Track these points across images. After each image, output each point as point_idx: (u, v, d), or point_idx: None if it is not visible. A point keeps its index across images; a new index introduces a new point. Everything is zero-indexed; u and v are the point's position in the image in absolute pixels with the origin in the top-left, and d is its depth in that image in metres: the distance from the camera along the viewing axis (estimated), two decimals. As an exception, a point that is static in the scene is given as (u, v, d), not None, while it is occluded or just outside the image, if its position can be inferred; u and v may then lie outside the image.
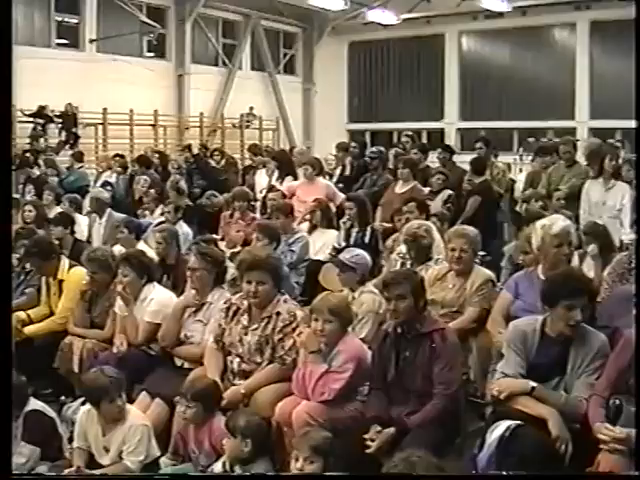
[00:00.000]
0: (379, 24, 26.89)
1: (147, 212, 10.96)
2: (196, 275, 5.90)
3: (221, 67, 27.65)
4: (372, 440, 4.55)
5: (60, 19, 23.45)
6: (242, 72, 27.87)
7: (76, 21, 23.73)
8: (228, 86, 27.37)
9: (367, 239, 8.64)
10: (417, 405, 4.70)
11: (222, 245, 8.75)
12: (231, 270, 6.43)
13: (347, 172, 12.22)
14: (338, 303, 4.99)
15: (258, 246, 7.07)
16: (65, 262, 7.18)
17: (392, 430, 4.57)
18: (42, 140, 20.75)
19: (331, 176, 12.40)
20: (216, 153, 16.96)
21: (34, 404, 5.15)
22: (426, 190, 10.11)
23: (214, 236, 9.07)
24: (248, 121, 27.43)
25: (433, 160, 12.12)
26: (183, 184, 10.74)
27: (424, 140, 22.39)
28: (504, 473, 4.02)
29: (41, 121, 21.11)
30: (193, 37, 26.28)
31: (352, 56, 29.86)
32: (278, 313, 5.29)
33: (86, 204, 11.35)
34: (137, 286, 6.27)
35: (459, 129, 26.79)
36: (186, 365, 5.81)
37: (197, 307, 5.89)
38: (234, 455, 4.63)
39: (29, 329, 6.86)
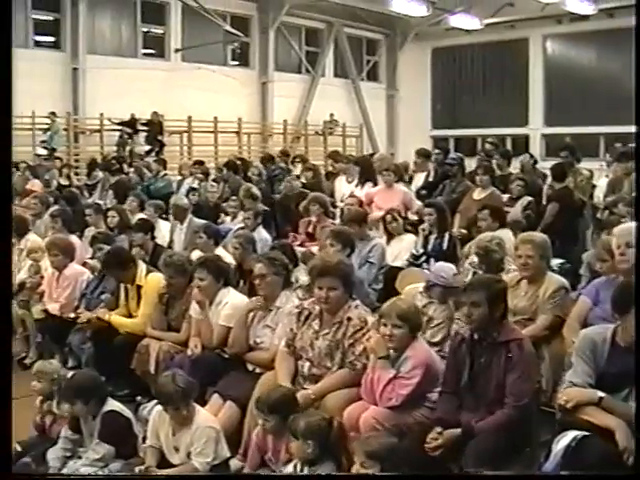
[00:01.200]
0: (462, 29, 26.73)
1: (228, 218, 11.13)
2: (265, 281, 5.97)
3: (304, 74, 27.87)
4: (435, 440, 4.55)
5: (146, 30, 24.05)
6: (325, 79, 28.03)
7: (162, 31, 24.29)
8: (311, 93, 27.55)
9: (445, 246, 8.58)
10: (486, 413, 4.66)
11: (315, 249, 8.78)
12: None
13: (430, 178, 12.19)
14: (407, 308, 4.98)
15: (331, 252, 7.08)
16: (143, 268, 7.36)
17: (457, 431, 4.56)
18: (128, 148, 21.20)
19: (411, 182, 12.37)
20: (297, 160, 17.07)
21: (111, 405, 5.29)
22: (505, 197, 10.02)
23: (289, 241, 9.11)
24: (331, 128, 27.54)
25: (517, 167, 12.02)
26: (256, 190, 10.82)
27: (508, 146, 22.12)
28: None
29: (129, 130, 21.55)
30: (276, 45, 26.56)
31: (435, 62, 29.76)
32: (349, 318, 5.29)
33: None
34: (213, 290, 6.34)
35: (544, 135, 26.41)
36: (258, 370, 5.86)
37: (265, 312, 5.95)
38: (300, 457, 4.67)
39: (114, 318, 7.13)
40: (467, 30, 26.63)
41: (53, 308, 7.97)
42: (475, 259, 6.85)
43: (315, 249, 8.52)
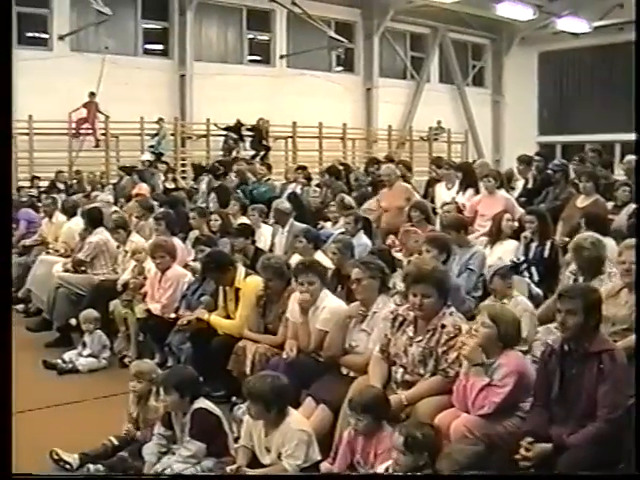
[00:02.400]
0: (570, 33, 26.22)
1: (328, 223, 11.18)
2: (361, 285, 5.99)
3: (409, 80, 27.85)
4: (526, 450, 4.48)
5: (252, 36, 24.43)
6: (430, 85, 27.95)
7: (267, 38, 24.64)
8: (416, 99, 27.50)
9: (546, 253, 8.43)
10: (577, 426, 4.54)
11: (399, 255, 8.77)
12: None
13: (529, 185, 12.00)
14: (499, 313, 4.94)
15: (426, 258, 7.05)
16: (242, 271, 7.49)
17: (548, 446, 4.47)
18: (234, 152, 21.54)
19: (513, 188, 12.20)
20: (400, 166, 17.01)
21: (201, 402, 5.37)
22: (610, 204, 9.78)
23: (387, 246, 9.10)
24: (436, 134, 27.42)
25: (620, 173, 11.71)
26: (348, 199, 10.85)
27: (617, 153, 21.57)
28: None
29: (234, 135, 21.89)
30: (381, 51, 26.61)
31: (542, 66, 29.28)
32: (443, 326, 5.26)
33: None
34: (319, 294, 6.40)
35: (655, 140, 25.64)
36: (352, 374, 5.88)
37: (362, 317, 5.98)
38: (405, 467, 4.66)
39: (213, 319, 7.29)
40: (575, 33, 26.12)
41: (155, 308, 8.20)
42: (574, 266, 6.73)
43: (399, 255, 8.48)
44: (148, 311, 8.29)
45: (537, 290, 7.44)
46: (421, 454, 4.59)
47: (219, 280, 7.52)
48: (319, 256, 8.16)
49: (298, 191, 14.32)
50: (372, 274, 6.00)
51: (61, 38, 21.27)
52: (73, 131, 20.98)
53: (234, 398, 6.57)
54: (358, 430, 5.02)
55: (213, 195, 12.81)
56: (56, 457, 5.61)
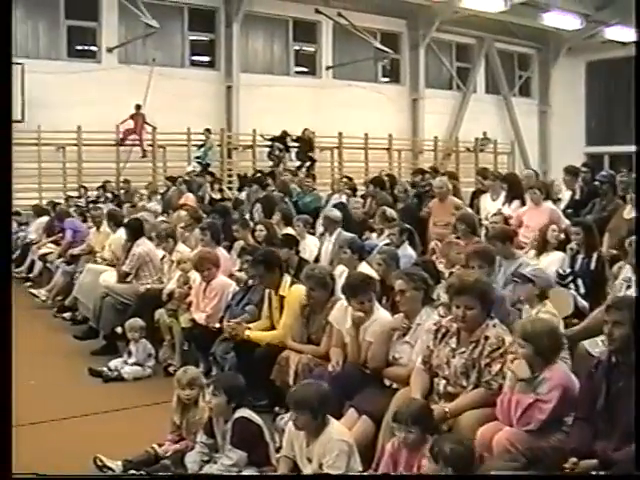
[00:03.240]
0: (618, 42, 25.94)
1: (374, 234, 11.18)
2: (405, 297, 5.98)
3: (455, 91, 27.77)
4: (571, 470, 4.41)
5: (298, 48, 24.51)
6: (476, 95, 27.83)
7: (313, 49, 24.75)
8: (462, 110, 27.41)
9: (593, 265, 8.34)
10: (623, 441, 4.42)
11: (441, 266, 8.74)
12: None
13: (576, 196, 11.89)
14: (531, 331, 4.89)
15: (469, 270, 7.01)
16: (287, 279, 7.51)
17: (593, 462, 4.40)
18: (280, 163, 21.64)
19: (559, 200, 12.10)
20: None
21: (243, 411, 5.39)
22: (658, 215, 9.65)
23: (432, 258, 9.07)
24: (482, 145, 27.27)
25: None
26: (390, 212, 10.82)
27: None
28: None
29: (280, 145, 21.99)
30: (427, 61, 26.57)
31: (590, 76, 28.99)
32: (486, 337, 5.23)
33: (319, 225, 11.80)
34: (372, 309, 6.37)
35: None
36: (394, 385, 5.87)
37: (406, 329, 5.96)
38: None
39: (253, 334, 7.27)
40: (623, 43, 25.81)
41: (200, 318, 8.25)
42: (629, 273, 6.67)
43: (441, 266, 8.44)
44: (193, 320, 8.36)
45: (583, 303, 7.37)
46: (445, 466, 4.54)
47: (264, 279, 7.53)
48: (364, 267, 8.14)
49: (344, 201, 14.34)
50: (415, 286, 5.98)
51: (109, 50, 21.58)
52: (121, 142, 21.25)
53: (276, 408, 6.60)
54: (406, 442, 4.95)
55: (258, 206, 12.87)
56: (100, 463, 5.66)
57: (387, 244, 9.37)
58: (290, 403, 5.18)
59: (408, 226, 9.96)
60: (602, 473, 3.97)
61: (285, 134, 22.12)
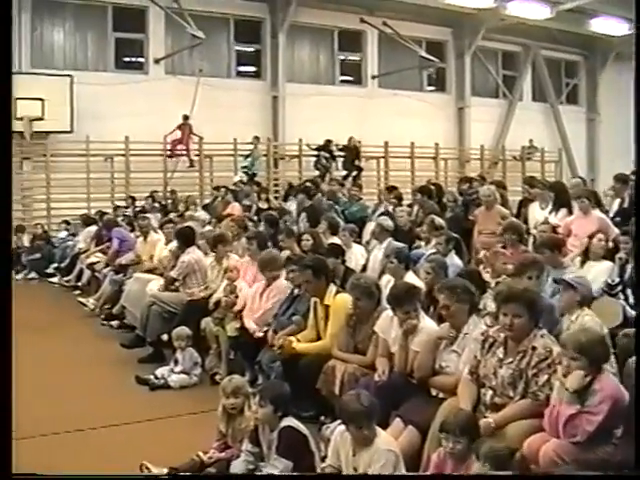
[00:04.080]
0: (669, 48, 25.57)
1: (422, 243, 11.12)
2: (450, 311, 5.94)
3: (501, 99, 27.56)
4: None
5: (343, 57, 24.56)
6: (523, 103, 27.64)
7: (358, 58, 24.74)
8: (509, 118, 27.24)
9: (642, 275, 8.22)
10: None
11: (487, 276, 8.67)
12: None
13: (625, 205, 11.72)
14: (585, 340, 4.80)
15: (518, 279, 6.95)
16: (333, 288, 7.49)
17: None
18: (327, 173, 21.67)
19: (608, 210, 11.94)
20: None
21: (289, 420, 5.39)
22: None
23: (478, 267, 9.00)
24: (529, 153, 27.06)
25: None
26: (438, 220, 10.75)
27: None
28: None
29: (327, 154, 22.02)
30: (473, 70, 26.47)
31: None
32: (534, 348, 5.17)
33: (365, 234, 11.77)
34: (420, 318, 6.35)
35: None
36: (441, 395, 5.83)
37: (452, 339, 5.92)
38: None
39: (300, 346, 7.25)
40: (674, 48, 25.47)
41: (250, 321, 8.32)
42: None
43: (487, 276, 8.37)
44: (240, 329, 8.41)
45: (632, 313, 7.26)
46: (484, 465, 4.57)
47: (310, 285, 7.52)
48: (410, 277, 8.11)
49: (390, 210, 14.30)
50: (459, 298, 5.93)
51: (157, 62, 21.83)
52: (168, 152, 21.45)
53: (322, 417, 6.60)
54: (453, 453, 4.93)
55: (303, 215, 12.89)
56: (146, 470, 5.71)
57: (433, 253, 9.31)
58: (338, 413, 5.18)
59: (455, 235, 9.90)
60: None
61: (329, 143, 22.14)
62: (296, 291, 8.11)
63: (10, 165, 4.17)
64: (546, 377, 5.04)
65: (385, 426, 5.48)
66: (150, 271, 11.78)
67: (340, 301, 7.24)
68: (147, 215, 14.62)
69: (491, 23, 25.04)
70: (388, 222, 10.97)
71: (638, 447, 3.72)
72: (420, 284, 7.54)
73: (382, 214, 13.60)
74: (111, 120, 20.04)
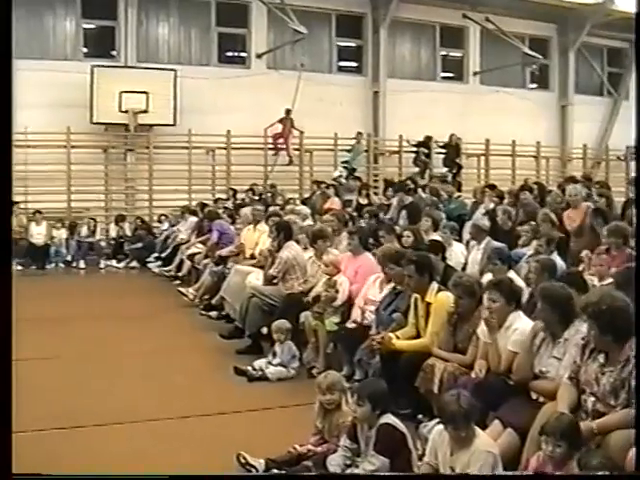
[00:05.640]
0: None
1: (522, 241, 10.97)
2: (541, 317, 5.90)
3: (606, 97, 26.90)
4: None
5: (445, 53, 24.36)
6: (628, 102, 26.87)
7: (460, 55, 24.52)
8: (613, 117, 26.58)
9: None
10: None
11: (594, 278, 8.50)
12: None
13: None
14: None
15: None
16: (434, 286, 7.44)
17: None
18: (426, 169, 21.60)
19: None
20: (597, 186, 16.47)
21: (388, 418, 5.39)
22: None
23: (579, 269, 8.83)
24: (634, 153, 26.33)
25: None
26: (554, 216, 10.58)
27: None
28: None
29: (425, 151, 21.94)
30: (577, 67, 25.94)
31: None
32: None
33: (465, 231, 11.69)
34: (504, 313, 6.28)
35: None
36: (541, 399, 5.74)
37: (553, 343, 5.82)
38: None
39: (400, 343, 7.23)
40: None
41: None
42: None
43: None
44: (338, 324, 8.47)
45: None
46: None
47: (413, 280, 7.48)
48: (512, 275, 8.01)
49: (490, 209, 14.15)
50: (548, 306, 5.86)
51: (259, 56, 22.09)
52: (270, 146, 21.68)
53: (420, 415, 6.59)
54: (553, 457, 4.84)
55: (404, 212, 12.86)
56: (243, 460, 5.78)
57: (534, 253, 9.19)
58: (438, 413, 5.17)
59: (558, 234, 9.75)
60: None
61: (428, 139, 22.05)
62: (398, 287, 8.06)
63: (10, 161, 4.26)
64: (650, 388, 4.89)
65: (483, 427, 5.44)
66: (250, 259, 11.94)
67: (442, 299, 7.19)
68: (258, 207, 14.56)
69: (596, 18, 24.48)
70: (484, 222, 10.89)
71: (638, 447, 3.58)
72: (521, 283, 7.47)
73: (489, 212, 13.47)
74: (213, 114, 20.37)
